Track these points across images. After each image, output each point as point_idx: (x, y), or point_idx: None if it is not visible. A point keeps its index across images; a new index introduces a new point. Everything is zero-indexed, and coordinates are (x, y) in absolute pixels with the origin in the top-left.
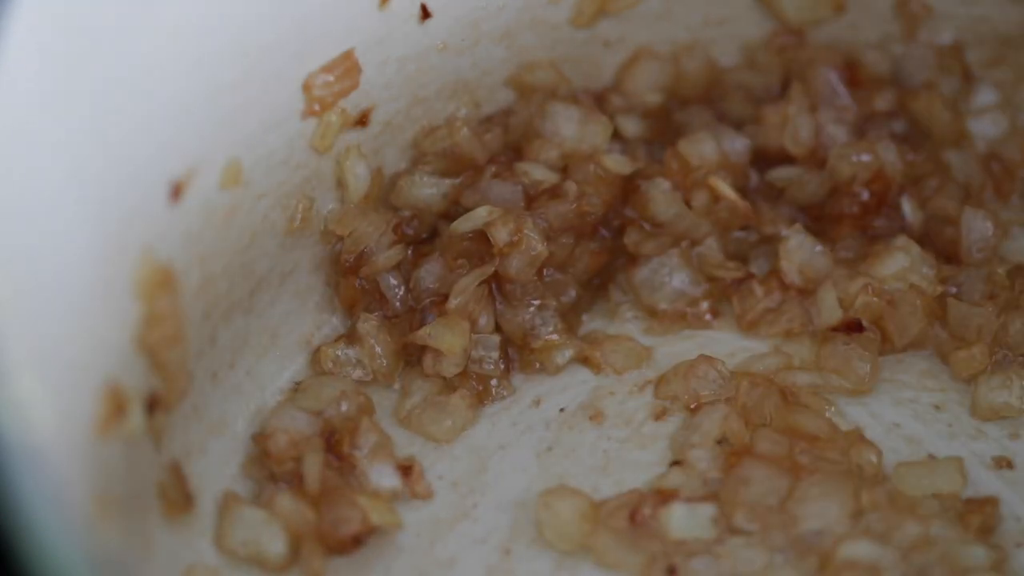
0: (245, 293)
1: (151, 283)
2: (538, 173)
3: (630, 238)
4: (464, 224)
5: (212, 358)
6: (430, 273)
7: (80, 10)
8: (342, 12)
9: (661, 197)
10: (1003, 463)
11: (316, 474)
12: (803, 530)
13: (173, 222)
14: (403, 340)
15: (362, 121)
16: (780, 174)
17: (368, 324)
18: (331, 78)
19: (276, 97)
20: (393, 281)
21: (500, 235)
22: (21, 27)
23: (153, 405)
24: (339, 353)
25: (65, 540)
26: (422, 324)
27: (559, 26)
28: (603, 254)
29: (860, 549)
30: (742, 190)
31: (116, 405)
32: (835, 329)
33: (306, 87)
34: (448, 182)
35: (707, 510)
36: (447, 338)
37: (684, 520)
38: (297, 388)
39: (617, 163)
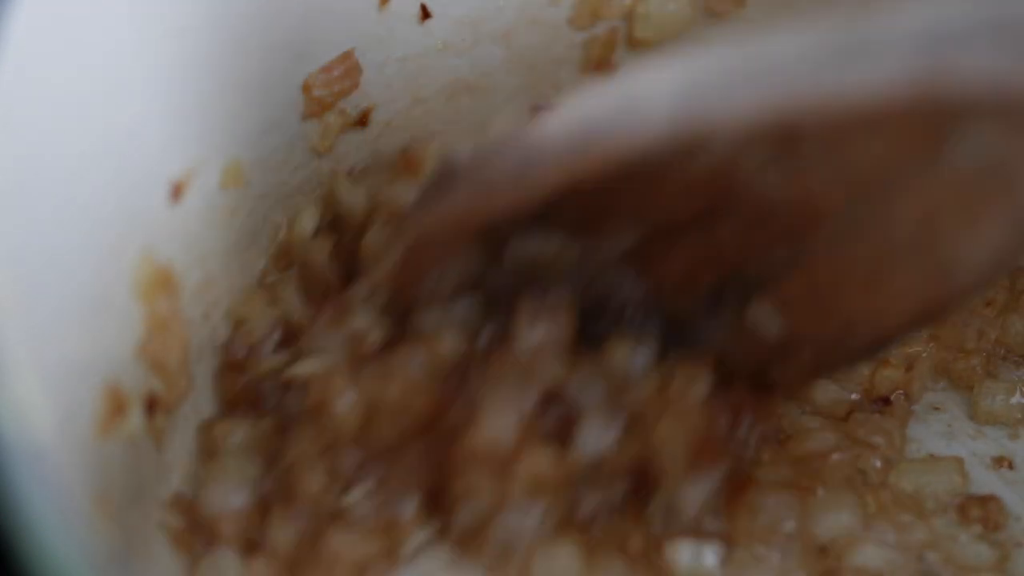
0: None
1: (151, 284)
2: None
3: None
4: (296, 370)
5: (212, 359)
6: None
7: (80, 10)
8: (342, 12)
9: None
10: (1003, 463)
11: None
12: (816, 543)
13: (173, 222)
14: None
15: (362, 121)
16: None
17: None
18: (331, 78)
19: (276, 97)
20: (273, 388)
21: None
22: (21, 27)
23: (153, 406)
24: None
25: (65, 540)
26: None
27: (559, 26)
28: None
29: (868, 555)
30: None
31: (116, 405)
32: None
33: (306, 87)
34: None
35: (714, 547)
36: None
37: (690, 558)
38: None
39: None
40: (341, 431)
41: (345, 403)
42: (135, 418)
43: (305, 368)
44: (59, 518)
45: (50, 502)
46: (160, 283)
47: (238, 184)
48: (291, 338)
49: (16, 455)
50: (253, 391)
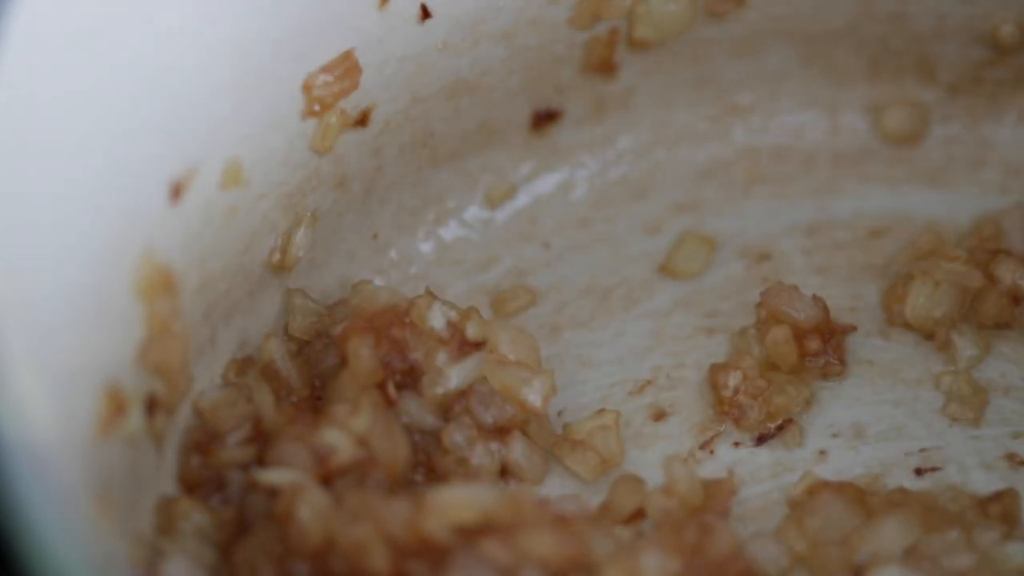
0: (244, 294)
1: (151, 284)
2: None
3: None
4: (263, 477)
5: (212, 359)
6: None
7: (80, 10)
8: (342, 12)
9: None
10: (1014, 459)
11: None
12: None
13: (173, 222)
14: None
15: (362, 121)
16: None
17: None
18: (331, 78)
19: (276, 97)
20: (237, 478)
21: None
22: (21, 27)
23: (153, 406)
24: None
25: (65, 540)
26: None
27: (559, 26)
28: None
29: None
30: None
31: (116, 405)
32: None
33: (306, 87)
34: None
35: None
36: None
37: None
38: None
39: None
40: (298, 545)
41: (310, 522)
42: (135, 418)
43: (272, 477)
44: (59, 518)
45: (50, 502)
46: (160, 283)
47: (238, 184)
48: (259, 436)
49: (16, 455)
50: (216, 477)
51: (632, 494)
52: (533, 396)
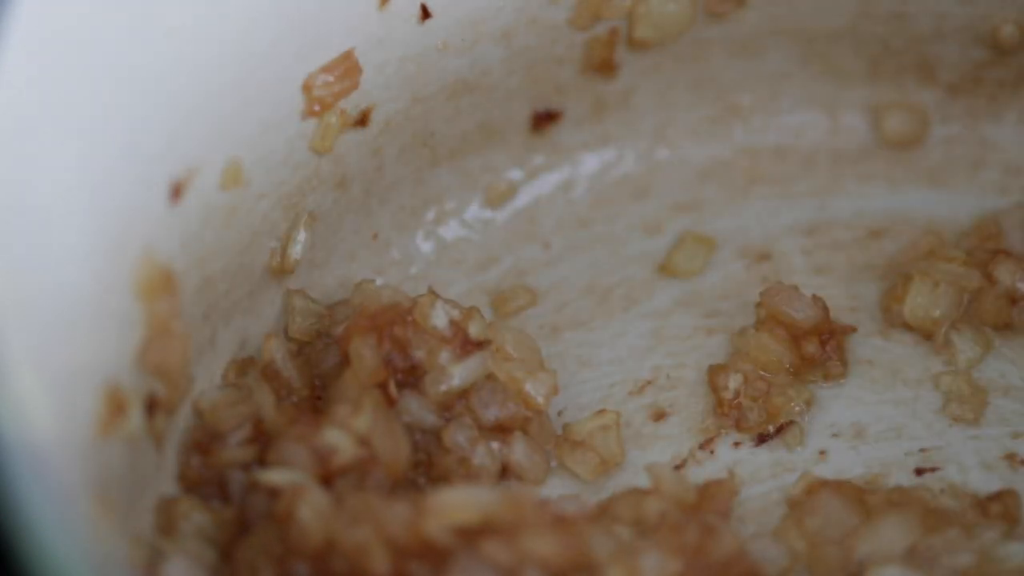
0: (244, 294)
1: (151, 284)
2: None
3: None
4: (264, 477)
5: (212, 359)
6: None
7: (80, 11)
8: (342, 12)
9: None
10: (1014, 459)
11: None
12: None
13: (173, 222)
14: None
15: (362, 121)
16: None
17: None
18: (331, 78)
19: (276, 97)
20: (238, 478)
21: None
22: (21, 28)
23: (153, 406)
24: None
25: (65, 540)
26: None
27: (559, 26)
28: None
29: (888, 573)
30: None
31: (116, 405)
32: None
33: (306, 87)
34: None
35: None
36: None
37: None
38: None
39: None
40: (299, 546)
41: (311, 522)
42: (135, 418)
43: (274, 477)
44: (59, 518)
45: (50, 502)
46: (160, 283)
47: (238, 184)
48: (260, 436)
49: (16, 455)
50: (217, 476)
51: (634, 505)
52: (536, 392)
